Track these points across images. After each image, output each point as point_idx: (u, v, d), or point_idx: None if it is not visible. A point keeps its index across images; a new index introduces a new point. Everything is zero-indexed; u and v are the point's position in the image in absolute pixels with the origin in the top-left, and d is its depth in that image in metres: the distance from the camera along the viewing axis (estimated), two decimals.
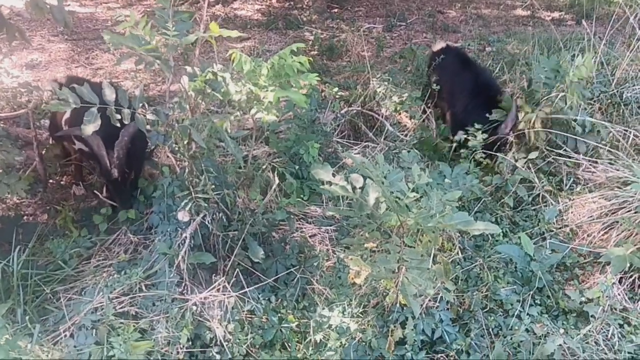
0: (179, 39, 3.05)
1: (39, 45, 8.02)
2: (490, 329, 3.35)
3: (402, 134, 5.40)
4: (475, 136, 4.62)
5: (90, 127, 2.95)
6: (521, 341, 3.21)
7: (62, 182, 4.88)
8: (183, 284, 3.33)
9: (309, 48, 7.74)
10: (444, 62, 5.62)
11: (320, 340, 3.26)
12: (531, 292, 3.54)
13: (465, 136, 4.76)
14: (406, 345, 3.13)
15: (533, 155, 4.49)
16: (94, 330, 3.01)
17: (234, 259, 3.51)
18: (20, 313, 3.22)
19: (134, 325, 3.01)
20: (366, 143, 5.29)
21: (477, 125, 4.68)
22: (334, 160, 4.89)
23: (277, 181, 3.89)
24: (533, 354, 3.14)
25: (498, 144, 4.74)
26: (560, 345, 3.12)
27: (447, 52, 5.78)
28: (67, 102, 2.97)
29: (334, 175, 2.98)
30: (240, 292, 3.36)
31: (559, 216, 4.27)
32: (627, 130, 4.72)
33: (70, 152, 4.69)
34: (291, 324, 3.32)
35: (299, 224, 4.21)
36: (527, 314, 3.38)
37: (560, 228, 4.18)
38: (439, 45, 6.05)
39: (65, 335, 3.05)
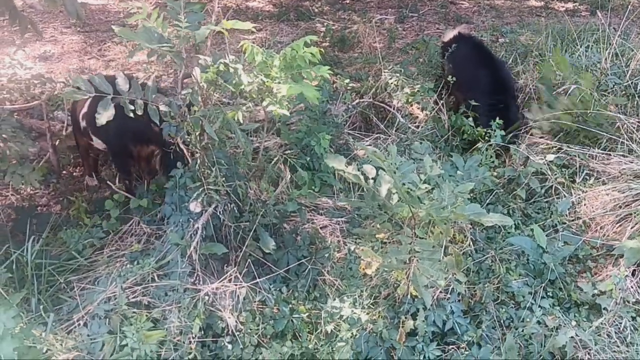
0: (190, 31, 3.05)
1: (51, 37, 8.06)
2: (502, 321, 3.34)
3: (413, 126, 5.38)
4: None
5: (104, 116, 2.98)
6: (533, 333, 3.21)
7: (75, 173, 4.92)
8: (195, 274, 3.36)
9: (320, 39, 7.70)
10: (458, 50, 5.62)
11: (331, 330, 3.26)
12: (543, 285, 3.53)
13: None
14: (417, 337, 3.14)
15: (550, 157, 4.47)
16: (107, 320, 3.04)
17: (246, 249, 3.52)
18: (35, 302, 3.26)
19: (146, 315, 3.04)
20: (377, 135, 5.27)
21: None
22: (345, 152, 4.88)
23: (288, 173, 3.89)
24: (544, 346, 3.14)
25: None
26: (572, 337, 3.11)
27: (460, 40, 5.77)
28: (81, 90, 3.00)
29: (346, 165, 2.97)
30: (252, 282, 3.37)
31: (571, 208, 4.24)
32: None
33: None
34: (302, 315, 3.33)
35: (310, 215, 4.21)
36: (539, 306, 3.37)
37: (573, 220, 4.15)
38: (451, 33, 6.02)
39: (79, 324, 3.08)
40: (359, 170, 3.03)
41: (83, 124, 4.28)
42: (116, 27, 2.96)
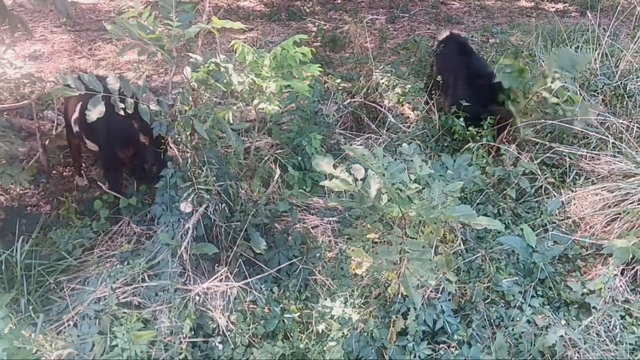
0: (182, 30, 3.05)
1: (41, 37, 8.02)
2: (492, 320, 3.35)
3: (404, 126, 5.39)
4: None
5: (94, 113, 2.97)
6: (522, 332, 3.22)
7: (65, 173, 4.89)
8: (186, 274, 3.35)
9: (311, 39, 7.71)
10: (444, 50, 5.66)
11: (322, 330, 3.27)
12: (533, 284, 3.55)
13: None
14: (408, 336, 3.14)
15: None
16: (97, 320, 3.03)
17: (237, 249, 3.52)
18: (24, 303, 3.24)
19: (136, 315, 3.03)
20: (369, 135, 5.29)
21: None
22: (336, 152, 4.89)
23: (278, 172, 3.89)
24: (534, 345, 3.15)
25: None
26: (561, 336, 3.12)
27: (447, 41, 5.81)
28: (72, 88, 2.99)
29: (335, 166, 2.97)
30: (243, 282, 3.37)
31: (561, 208, 4.26)
32: (630, 122, 4.71)
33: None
34: (293, 315, 3.33)
35: (302, 215, 4.21)
36: (529, 305, 3.39)
37: (562, 220, 4.17)
38: (444, 33, 6.05)
39: (69, 325, 3.07)
40: (348, 170, 3.03)
41: (76, 128, 4.27)
42: (107, 24, 2.95)
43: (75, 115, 4.21)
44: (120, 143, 3.99)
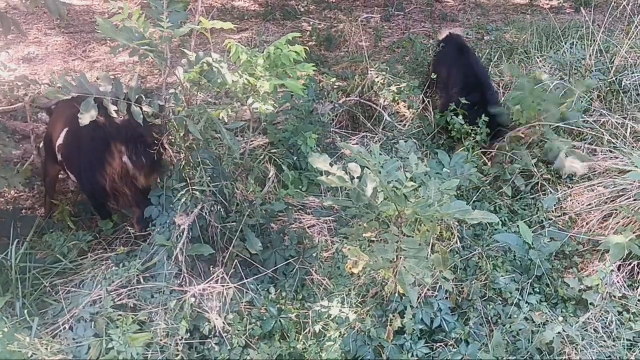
0: (173, 31, 3.03)
1: (35, 39, 7.98)
2: (489, 318, 3.35)
3: (400, 124, 5.38)
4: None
5: (86, 117, 2.95)
6: (520, 329, 3.22)
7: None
8: (181, 276, 3.33)
9: (306, 38, 7.70)
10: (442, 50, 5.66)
11: (320, 330, 3.26)
12: (530, 281, 3.55)
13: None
14: (405, 335, 3.14)
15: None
16: (93, 323, 3.01)
17: (232, 250, 3.50)
18: (19, 306, 3.22)
19: (132, 317, 3.01)
20: (364, 133, 5.28)
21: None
22: (332, 151, 4.88)
23: (273, 172, 3.88)
24: (532, 342, 3.15)
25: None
26: (559, 332, 3.12)
27: (446, 41, 5.81)
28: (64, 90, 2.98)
29: (331, 164, 2.96)
30: (239, 283, 3.36)
31: (557, 204, 4.26)
32: (625, 118, 4.71)
33: None
34: (290, 315, 3.32)
35: (298, 214, 4.20)
36: (526, 302, 3.39)
37: (559, 216, 4.17)
38: (444, 33, 6.06)
39: (64, 328, 3.05)
40: (344, 169, 3.02)
41: (59, 156, 3.86)
42: (99, 18, 2.93)
43: (60, 141, 3.81)
44: (100, 165, 3.56)
